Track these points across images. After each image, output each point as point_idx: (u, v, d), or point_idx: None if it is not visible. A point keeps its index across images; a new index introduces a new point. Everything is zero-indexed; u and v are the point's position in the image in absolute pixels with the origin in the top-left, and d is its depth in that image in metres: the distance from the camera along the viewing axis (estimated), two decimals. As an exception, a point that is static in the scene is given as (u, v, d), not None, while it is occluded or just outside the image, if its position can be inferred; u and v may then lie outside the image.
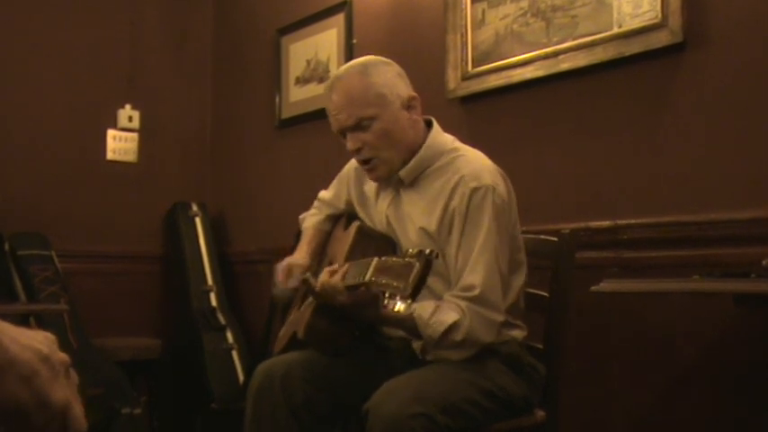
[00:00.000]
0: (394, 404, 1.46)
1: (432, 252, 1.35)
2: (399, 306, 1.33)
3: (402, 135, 1.74)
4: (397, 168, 1.77)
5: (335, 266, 1.66)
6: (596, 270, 2.00)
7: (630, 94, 2.20)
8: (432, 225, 1.70)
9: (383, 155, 1.74)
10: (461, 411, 1.55)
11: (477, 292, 1.60)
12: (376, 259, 1.45)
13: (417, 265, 1.32)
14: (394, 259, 1.40)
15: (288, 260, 1.93)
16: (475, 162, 1.74)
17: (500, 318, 1.64)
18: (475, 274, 1.61)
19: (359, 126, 1.72)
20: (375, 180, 1.82)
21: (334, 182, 2.07)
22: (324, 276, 1.64)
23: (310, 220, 2.08)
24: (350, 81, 1.74)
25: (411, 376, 1.59)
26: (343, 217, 2.02)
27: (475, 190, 1.66)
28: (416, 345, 1.70)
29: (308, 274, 1.72)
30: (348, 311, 1.65)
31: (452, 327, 1.57)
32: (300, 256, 1.96)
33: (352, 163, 1.96)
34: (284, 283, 1.88)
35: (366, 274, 1.45)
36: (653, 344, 2.10)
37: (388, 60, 1.80)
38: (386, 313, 1.58)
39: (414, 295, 1.33)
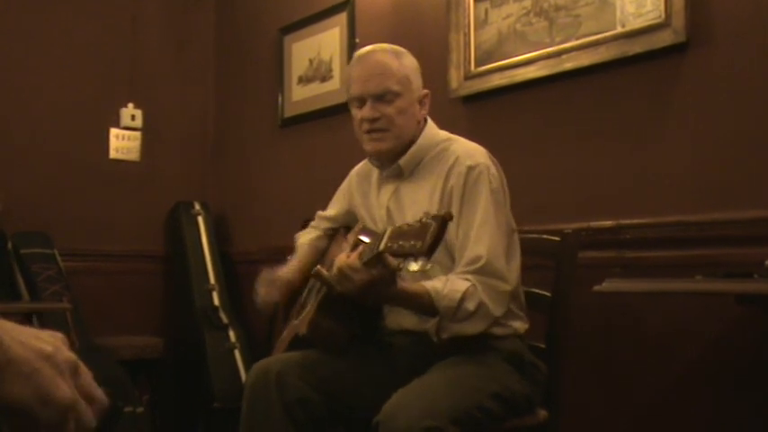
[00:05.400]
0: (405, 417, 1.44)
1: (447, 212, 1.35)
2: (415, 266, 1.34)
3: (409, 123, 1.81)
4: (397, 152, 1.82)
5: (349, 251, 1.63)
6: (598, 270, 2.00)
7: (633, 94, 2.19)
8: (433, 208, 1.72)
9: (395, 131, 1.79)
10: (472, 419, 1.54)
11: (482, 262, 1.63)
12: (390, 227, 1.46)
13: (433, 224, 1.33)
14: (409, 224, 1.41)
15: (274, 274, 1.97)
16: (468, 145, 1.81)
17: (507, 287, 1.67)
18: (479, 245, 1.65)
19: (383, 97, 1.78)
20: (377, 151, 1.82)
21: (333, 199, 2.10)
22: (340, 258, 1.59)
23: (305, 236, 2.10)
24: (385, 56, 1.81)
25: (421, 386, 1.56)
26: (341, 229, 2.05)
27: (470, 168, 1.72)
28: (431, 324, 1.66)
29: (318, 266, 1.70)
30: (364, 292, 1.57)
31: (465, 295, 1.59)
32: (289, 270, 1.98)
33: (351, 173, 2.03)
34: (267, 296, 1.96)
35: (381, 243, 1.44)
36: (655, 344, 2.10)
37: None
38: (402, 289, 1.60)
39: (429, 253, 1.33)
